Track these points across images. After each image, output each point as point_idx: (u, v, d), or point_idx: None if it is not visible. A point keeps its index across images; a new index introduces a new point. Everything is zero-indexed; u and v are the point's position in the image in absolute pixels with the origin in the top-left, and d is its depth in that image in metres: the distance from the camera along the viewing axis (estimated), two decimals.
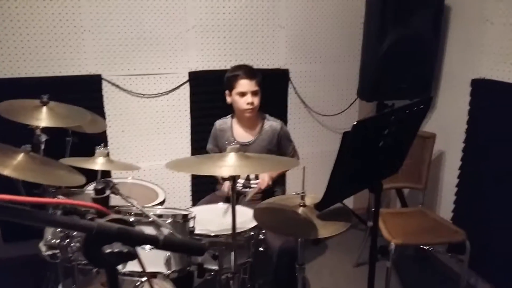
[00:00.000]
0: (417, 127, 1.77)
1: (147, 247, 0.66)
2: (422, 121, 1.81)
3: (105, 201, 0.65)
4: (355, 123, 1.34)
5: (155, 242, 0.67)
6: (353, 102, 3.27)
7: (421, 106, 1.63)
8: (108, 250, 0.59)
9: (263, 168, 1.80)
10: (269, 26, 2.98)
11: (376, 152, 1.55)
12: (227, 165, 1.50)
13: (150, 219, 1.59)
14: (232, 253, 1.69)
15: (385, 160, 1.67)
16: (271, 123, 2.48)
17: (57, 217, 0.59)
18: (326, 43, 3.15)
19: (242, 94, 2.35)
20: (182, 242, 0.73)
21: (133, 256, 0.62)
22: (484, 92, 2.49)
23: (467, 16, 2.59)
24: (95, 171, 2.26)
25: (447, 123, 2.81)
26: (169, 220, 1.64)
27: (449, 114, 2.79)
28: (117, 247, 0.60)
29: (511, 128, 2.29)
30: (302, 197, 1.79)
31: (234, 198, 1.55)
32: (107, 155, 1.77)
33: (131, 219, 1.61)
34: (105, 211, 0.63)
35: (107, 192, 0.66)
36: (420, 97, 1.99)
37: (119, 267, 0.66)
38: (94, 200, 0.64)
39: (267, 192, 2.38)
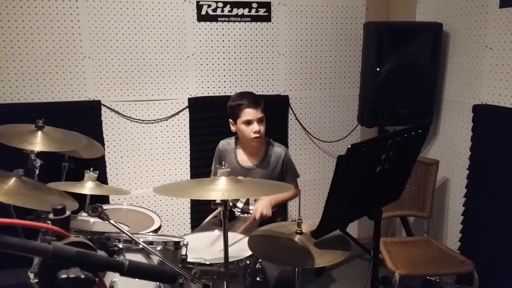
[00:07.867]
0: (417, 152, 1.71)
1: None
2: (422, 147, 1.76)
3: (64, 222, 0.61)
4: (349, 146, 1.30)
5: (119, 268, 0.62)
6: (354, 128, 3.24)
7: (420, 131, 1.58)
8: (64, 276, 0.54)
9: (254, 192, 1.74)
10: (269, 53, 3.00)
11: (373, 177, 1.50)
12: (217, 189, 1.45)
13: (139, 246, 1.54)
14: (225, 283, 1.62)
15: (384, 186, 1.61)
16: (276, 149, 2.43)
17: (5, 238, 0.55)
18: (325, 69, 3.15)
19: (248, 123, 2.29)
20: (151, 268, 0.68)
21: (92, 282, 0.57)
22: (486, 117, 2.45)
23: (466, 42, 2.58)
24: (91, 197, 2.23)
25: (451, 149, 2.75)
26: (159, 248, 1.58)
27: (452, 141, 2.74)
28: (73, 273, 0.55)
29: None
30: (299, 224, 1.72)
31: (226, 224, 1.49)
32: (96, 179, 1.73)
33: (120, 245, 1.56)
34: (63, 233, 0.59)
35: (67, 212, 0.61)
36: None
37: None
38: (52, 221, 0.60)
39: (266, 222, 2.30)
